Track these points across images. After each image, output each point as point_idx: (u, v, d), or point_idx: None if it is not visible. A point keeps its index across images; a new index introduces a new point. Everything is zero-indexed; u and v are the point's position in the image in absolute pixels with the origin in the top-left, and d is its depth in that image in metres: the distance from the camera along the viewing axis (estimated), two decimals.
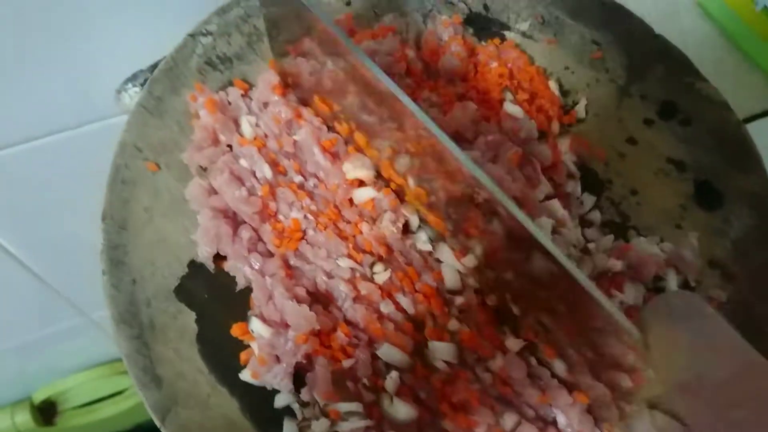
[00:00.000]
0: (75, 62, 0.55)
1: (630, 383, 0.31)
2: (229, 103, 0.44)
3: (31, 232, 0.74)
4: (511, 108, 0.43)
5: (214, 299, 0.40)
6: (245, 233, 0.40)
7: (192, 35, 0.45)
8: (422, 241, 0.41)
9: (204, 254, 0.40)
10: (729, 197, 0.44)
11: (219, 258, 0.41)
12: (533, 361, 0.38)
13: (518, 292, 0.37)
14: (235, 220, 0.41)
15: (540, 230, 0.30)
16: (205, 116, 0.42)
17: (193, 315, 0.39)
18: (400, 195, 0.42)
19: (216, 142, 0.43)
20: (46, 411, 1.05)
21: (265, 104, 0.43)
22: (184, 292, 0.39)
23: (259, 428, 0.36)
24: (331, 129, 0.43)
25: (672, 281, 0.41)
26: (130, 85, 0.55)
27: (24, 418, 1.00)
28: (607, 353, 0.32)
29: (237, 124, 0.44)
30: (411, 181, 0.39)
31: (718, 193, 0.44)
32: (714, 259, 0.42)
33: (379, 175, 0.42)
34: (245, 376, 0.37)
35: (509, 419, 0.36)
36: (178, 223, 0.41)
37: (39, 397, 1.03)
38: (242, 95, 0.44)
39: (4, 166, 0.62)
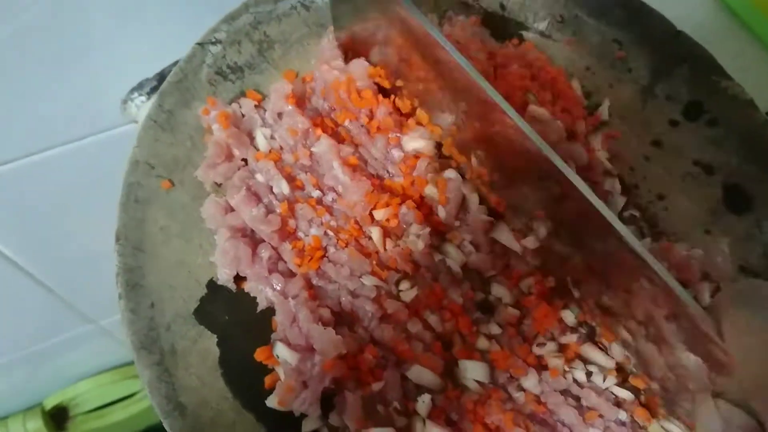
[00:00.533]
0: (80, 73, 0.54)
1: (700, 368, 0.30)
2: (243, 116, 0.43)
3: (39, 244, 0.73)
4: (536, 110, 0.41)
5: (235, 321, 0.38)
6: (265, 253, 0.39)
7: (201, 44, 0.44)
8: (452, 257, 0.40)
9: (224, 276, 0.39)
10: (759, 200, 0.42)
11: (239, 278, 0.40)
12: (570, 378, 0.37)
13: (580, 275, 0.37)
14: (253, 239, 0.40)
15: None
16: (218, 131, 0.41)
17: (214, 338, 0.38)
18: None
19: (230, 157, 0.41)
20: (58, 416, 1.05)
21: (280, 115, 0.42)
22: (204, 314, 0.38)
23: None
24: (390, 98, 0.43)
25: (705, 293, 0.40)
26: (135, 94, 0.53)
27: (36, 424, 1.00)
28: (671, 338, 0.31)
29: (251, 137, 0.43)
30: (474, 159, 0.38)
31: (747, 196, 0.43)
32: (745, 264, 0.41)
33: (439, 153, 0.42)
34: (272, 403, 0.36)
35: None
36: (195, 242, 0.40)
37: (50, 403, 1.03)
38: (255, 106, 0.43)
39: (12, 178, 0.62)
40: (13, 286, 0.77)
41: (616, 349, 0.38)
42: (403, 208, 0.39)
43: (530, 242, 0.39)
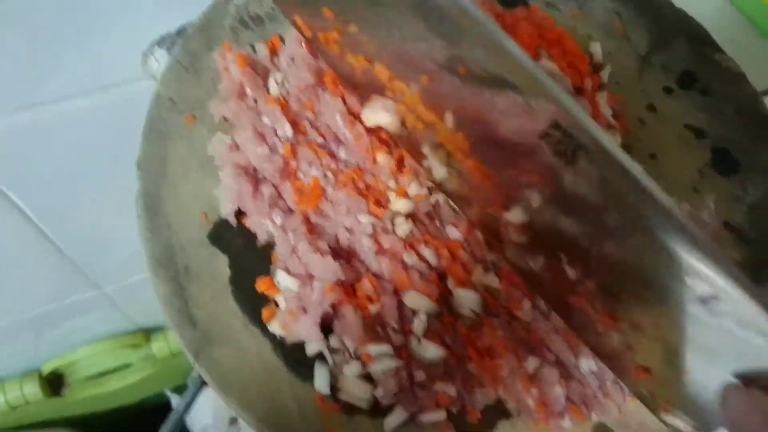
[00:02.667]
0: (102, 26, 0.56)
1: None
2: (257, 62, 0.45)
3: (53, 201, 0.74)
4: (547, 64, 0.44)
5: (246, 245, 0.41)
6: (266, 190, 0.41)
7: None
8: (440, 172, 0.41)
9: (226, 210, 0.41)
10: (745, 164, 0.45)
11: (241, 213, 0.42)
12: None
13: (580, 254, 0.34)
14: (256, 177, 0.42)
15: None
16: (234, 70, 0.43)
17: (226, 259, 0.40)
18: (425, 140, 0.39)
19: (242, 95, 0.43)
20: (54, 382, 1.06)
21: (293, 59, 0.44)
22: (217, 237, 0.40)
23: (290, 367, 0.37)
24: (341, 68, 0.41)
25: None
26: (156, 48, 0.56)
27: (33, 389, 1.01)
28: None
29: (265, 81, 0.45)
30: (449, 120, 0.35)
31: (735, 160, 0.45)
32: (730, 222, 0.43)
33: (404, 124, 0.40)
34: (274, 328, 0.38)
35: (532, 363, 0.37)
36: (213, 174, 0.42)
37: (48, 368, 1.04)
38: (272, 53, 0.46)
39: (30, 131, 0.63)
40: (25, 243, 0.79)
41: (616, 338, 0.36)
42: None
43: (515, 216, 0.36)
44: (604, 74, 0.48)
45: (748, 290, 0.25)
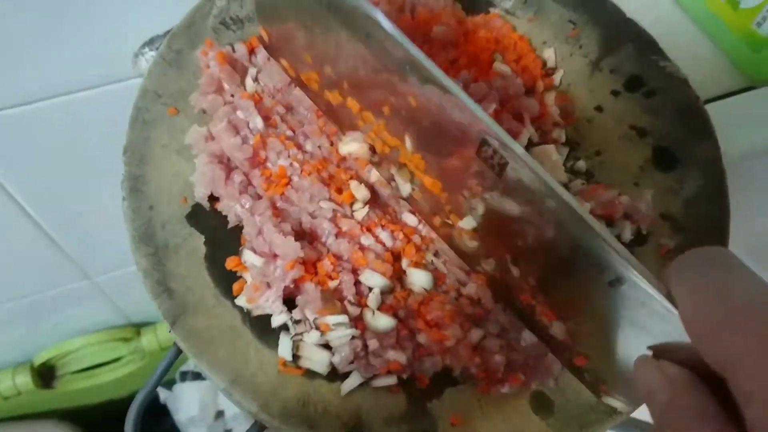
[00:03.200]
0: (97, 24, 0.60)
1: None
2: (236, 60, 0.49)
3: (47, 192, 0.77)
4: (500, 67, 0.48)
5: (220, 225, 0.44)
6: (237, 177, 0.44)
7: None
8: (405, 189, 0.46)
9: (200, 194, 0.44)
10: (683, 161, 0.49)
11: (214, 198, 0.45)
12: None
13: (518, 253, 0.38)
14: (228, 166, 0.45)
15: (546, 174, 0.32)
16: (214, 66, 0.47)
17: (202, 238, 0.44)
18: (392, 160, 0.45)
19: (220, 90, 0.47)
20: (46, 374, 1.08)
21: (269, 58, 0.48)
22: (195, 218, 0.44)
23: (257, 336, 0.41)
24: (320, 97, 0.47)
25: (626, 230, 0.46)
26: (147, 49, 0.60)
27: (24, 379, 1.03)
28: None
29: (243, 78, 0.49)
30: (408, 143, 0.41)
31: (674, 157, 0.49)
32: (666, 212, 0.47)
33: (373, 149, 0.46)
34: (241, 302, 0.42)
35: (475, 334, 0.41)
36: (192, 160, 0.46)
37: (39, 359, 1.06)
38: (250, 53, 0.50)
39: (25, 122, 0.67)
40: (17, 232, 0.81)
41: (558, 327, 0.39)
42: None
43: (467, 223, 0.41)
44: (557, 77, 0.52)
45: (643, 274, 0.29)
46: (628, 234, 0.46)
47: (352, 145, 0.46)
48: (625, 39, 0.53)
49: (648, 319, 0.29)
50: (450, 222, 0.42)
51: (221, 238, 0.44)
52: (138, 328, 1.12)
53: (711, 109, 0.51)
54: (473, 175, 0.37)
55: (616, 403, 0.40)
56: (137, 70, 0.63)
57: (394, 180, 0.45)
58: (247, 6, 0.51)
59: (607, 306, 0.32)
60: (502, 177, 0.34)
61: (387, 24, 0.35)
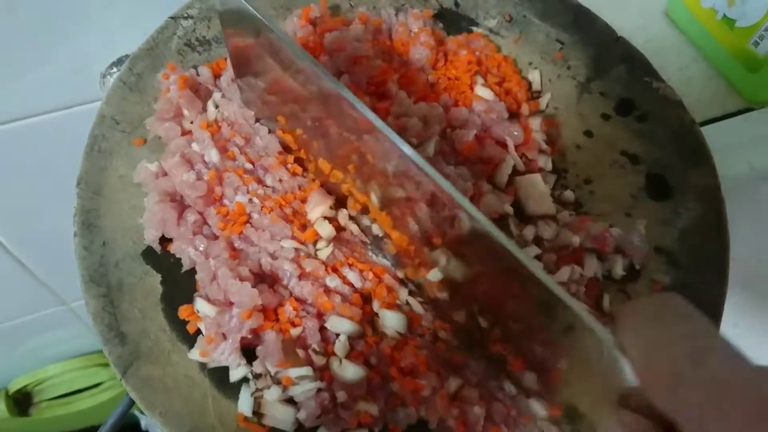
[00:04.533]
0: (66, 45, 0.57)
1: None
2: (200, 84, 0.46)
3: (15, 218, 0.75)
4: (481, 91, 0.45)
5: (179, 264, 0.41)
6: (191, 217, 0.41)
7: (173, 18, 0.48)
8: (374, 227, 0.43)
9: (150, 237, 0.41)
10: (678, 190, 0.46)
11: (166, 240, 0.42)
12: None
13: (486, 304, 0.37)
14: (182, 204, 0.42)
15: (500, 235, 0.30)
16: (174, 91, 0.44)
17: (158, 277, 0.40)
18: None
19: (179, 116, 0.44)
20: (21, 401, 1.05)
21: (233, 80, 0.45)
22: (152, 255, 0.41)
23: (216, 385, 0.38)
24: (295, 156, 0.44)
25: (618, 265, 0.43)
26: (114, 69, 0.57)
27: None
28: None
29: (205, 104, 0.45)
30: (374, 198, 0.39)
31: (668, 185, 0.46)
32: (660, 245, 0.44)
33: (339, 201, 0.43)
34: (194, 355, 0.38)
35: (453, 383, 0.37)
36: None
37: (14, 386, 1.03)
38: (215, 75, 0.46)
39: None
40: None
41: (529, 378, 0.38)
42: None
43: (434, 275, 0.38)
44: (543, 101, 0.49)
45: (592, 324, 0.27)
46: (619, 269, 0.42)
47: (318, 210, 0.42)
48: (616, 60, 0.50)
49: (604, 366, 0.28)
50: (420, 273, 0.40)
51: (179, 277, 0.41)
52: None
53: (706, 131, 0.48)
54: (433, 229, 0.35)
55: None
56: (105, 90, 0.60)
57: (370, 235, 0.43)
58: (215, 26, 0.48)
59: (570, 354, 0.31)
60: (455, 228, 0.32)
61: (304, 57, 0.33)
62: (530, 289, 0.30)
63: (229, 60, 0.46)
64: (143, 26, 0.54)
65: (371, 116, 0.32)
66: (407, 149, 0.31)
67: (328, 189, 0.43)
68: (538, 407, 0.38)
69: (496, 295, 0.35)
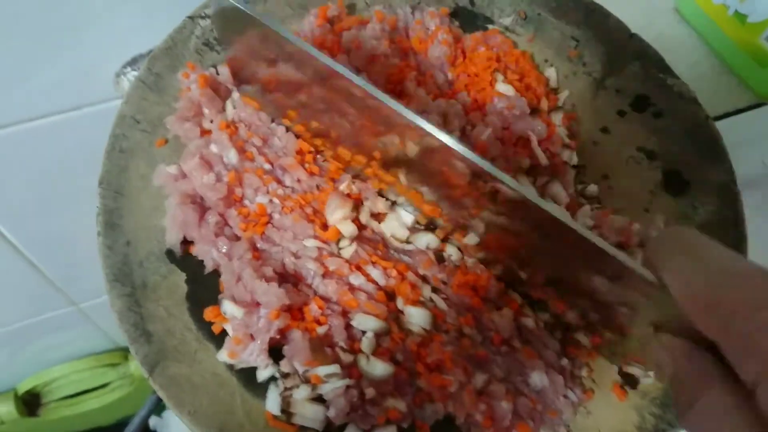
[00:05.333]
0: (77, 44, 0.57)
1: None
2: (220, 84, 0.46)
3: (27, 218, 0.75)
4: (502, 87, 0.45)
5: (202, 263, 0.41)
6: (212, 218, 0.41)
7: (191, 17, 0.48)
8: (400, 224, 0.43)
9: (172, 240, 0.41)
10: (695, 185, 0.46)
11: (187, 243, 0.41)
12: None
13: (523, 260, 0.39)
14: (202, 206, 0.41)
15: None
16: (195, 90, 0.44)
17: (183, 276, 0.41)
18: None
19: (199, 114, 0.44)
20: (30, 402, 1.05)
21: (235, 86, 0.45)
22: (175, 254, 0.41)
23: (243, 383, 0.38)
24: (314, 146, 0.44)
25: (640, 259, 0.43)
26: (129, 69, 0.57)
27: (7, 408, 1.01)
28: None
29: (224, 106, 0.45)
30: (402, 179, 0.39)
31: (685, 181, 0.46)
32: None
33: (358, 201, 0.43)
34: (222, 356, 0.38)
35: (480, 378, 0.37)
36: None
37: (23, 387, 1.03)
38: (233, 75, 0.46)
39: (5, 145, 0.64)
40: None
41: (571, 316, 0.40)
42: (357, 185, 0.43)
43: (471, 239, 0.40)
44: (561, 97, 0.50)
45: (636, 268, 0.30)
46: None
47: (338, 213, 0.41)
48: (630, 56, 0.50)
49: (646, 301, 0.31)
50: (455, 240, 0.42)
51: (204, 276, 0.41)
52: (126, 352, 1.09)
53: (717, 127, 0.48)
54: (471, 201, 0.37)
55: (635, 370, 0.40)
56: (119, 90, 0.60)
57: (394, 212, 0.43)
58: None
59: (611, 295, 0.34)
60: (497, 201, 0.34)
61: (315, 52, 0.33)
62: (570, 244, 0.32)
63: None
64: (152, 26, 0.54)
65: (381, 96, 0.33)
66: (432, 129, 0.32)
67: (353, 175, 0.44)
68: (582, 337, 0.40)
69: (535, 250, 0.37)
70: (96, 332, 1.03)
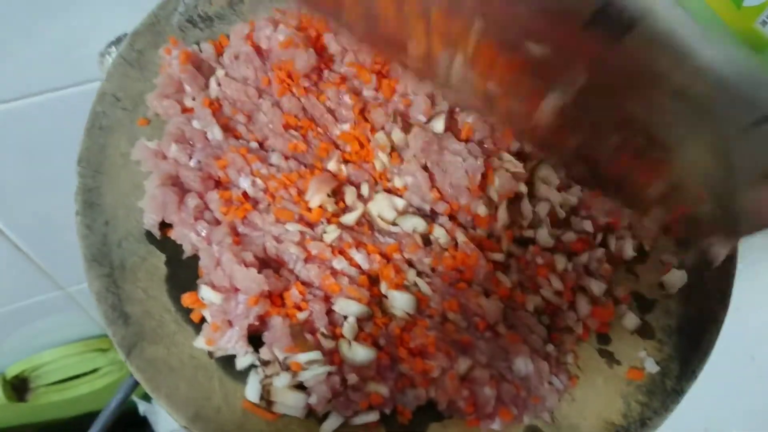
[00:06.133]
0: (60, 23, 0.56)
1: None
2: (202, 60, 0.45)
3: (12, 201, 0.74)
4: None
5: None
6: (192, 201, 0.39)
7: None
8: (389, 205, 0.42)
9: (150, 221, 0.40)
10: None
11: (165, 226, 0.40)
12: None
13: (621, 121, 0.32)
14: (182, 188, 0.40)
15: None
16: (175, 66, 0.43)
17: (163, 257, 0.40)
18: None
19: (180, 92, 0.43)
20: (19, 387, 1.05)
21: (236, 56, 0.44)
22: (155, 234, 0.40)
23: (222, 366, 0.37)
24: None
25: (628, 245, 0.42)
26: (113, 48, 0.56)
27: None
28: None
29: (207, 81, 0.44)
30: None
31: None
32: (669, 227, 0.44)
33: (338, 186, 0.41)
34: (200, 343, 0.37)
35: (463, 363, 0.37)
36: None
37: (11, 372, 1.03)
38: (217, 52, 0.45)
39: None
40: None
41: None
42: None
43: (551, 101, 0.31)
44: None
45: None
46: (630, 250, 0.42)
47: (317, 198, 0.40)
48: None
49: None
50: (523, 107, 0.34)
51: (184, 257, 0.40)
52: None
53: None
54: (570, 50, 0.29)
55: (713, 242, 0.36)
56: (104, 70, 0.59)
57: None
58: (217, 2, 0.47)
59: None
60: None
61: None
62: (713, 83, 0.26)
63: (234, 34, 0.44)
64: (138, 4, 0.53)
65: None
66: None
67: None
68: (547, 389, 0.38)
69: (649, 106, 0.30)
70: (84, 317, 1.03)
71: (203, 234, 0.39)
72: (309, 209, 0.40)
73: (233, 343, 0.36)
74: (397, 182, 0.41)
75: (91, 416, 1.14)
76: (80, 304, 0.99)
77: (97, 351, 1.07)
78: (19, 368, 1.03)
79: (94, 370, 1.08)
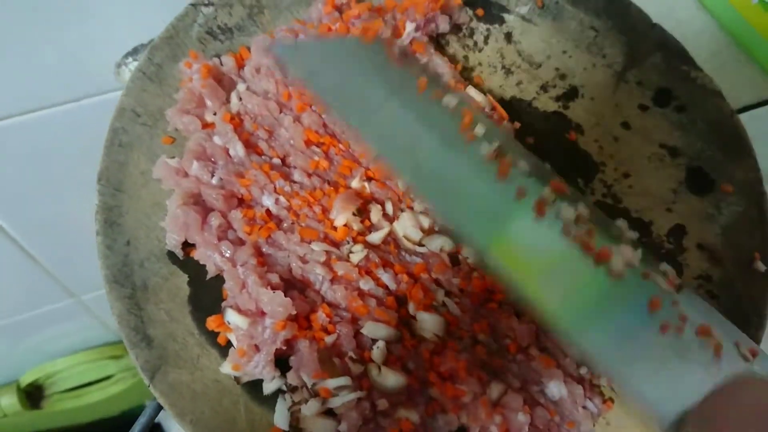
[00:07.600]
0: (75, 35, 0.55)
1: None
2: (224, 74, 0.44)
3: (25, 209, 0.73)
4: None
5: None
6: (215, 221, 0.39)
7: (194, 5, 0.46)
8: (413, 225, 0.41)
9: (172, 242, 0.39)
10: (720, 184, 0.44)
11: (189, 245, 0.40)
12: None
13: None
14: (204, 207, 0.40)
15: None
16: (196, 80, 0.42)
17: (185, 277, 0.39)
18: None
19: (201, 106, 0.42)
20: (33, 395, 1.05)
21: (258, 70, 0.43)
22: (177, 254, 0.39)
23: (248, 391, 0.36)
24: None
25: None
26: (130, 59, 0.55)
27: (10, 400, 1.00)
28: None
29: (229, 95, 0.43)
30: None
31: (709, 179, 0.44)
32: (703, 243, 0.42)
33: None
34: (226, 369, 0.36)
35: (495, 388, 0.36)
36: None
37: (26, 380, 1.02)
38: (238, 65, 0.44)
39: (2, 137, 0.62)
40: None
41: None
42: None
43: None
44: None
45: None
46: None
47: (342, 217, 0.39)
48: (652, 47, 0.48)
49: None
50: None
51: (207, 278, 0.39)
52: None
53: (746, 118, 0.46)
54: None
55: None
56: (120, 81, 0.58)
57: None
58: (237, 14, 0.46)
59: None
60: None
61: None
62: None
63: (255, 46, 0.44)
64: (154, 14, 0.52)
65: None
66: None
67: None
68: (583, 414, 0.37)
69: None
70: (97, 324, 1.02)
71: (227, 255, 0.38)
72: (334, 228, 0.39)
73: (260, 368, 0.35)
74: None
75: (104, 423, 1.15)
76: (93, 312, 0.99)
77: (110, 358, 1.07)
78: (33, 376, 1.03)
79: (108, 377, 1.08)
